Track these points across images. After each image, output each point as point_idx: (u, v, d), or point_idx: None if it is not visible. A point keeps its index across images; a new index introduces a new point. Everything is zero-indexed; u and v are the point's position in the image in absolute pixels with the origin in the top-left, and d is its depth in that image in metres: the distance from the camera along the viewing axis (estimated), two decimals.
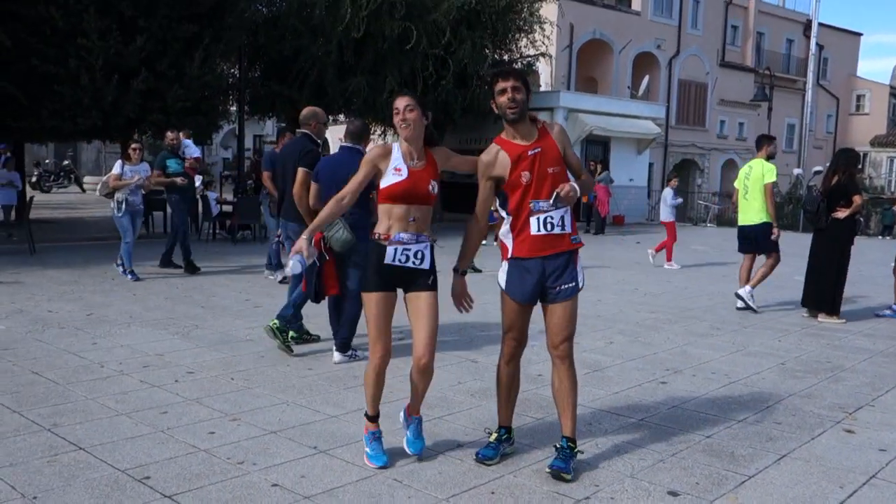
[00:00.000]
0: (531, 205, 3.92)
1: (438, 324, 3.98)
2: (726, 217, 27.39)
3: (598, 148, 23.51)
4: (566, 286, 3.96)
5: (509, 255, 4.02)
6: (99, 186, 10.53)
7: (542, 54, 21.78)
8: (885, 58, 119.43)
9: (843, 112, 46.14)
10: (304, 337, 6.81)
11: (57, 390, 5.18)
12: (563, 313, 3.98)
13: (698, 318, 8.50)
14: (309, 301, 6.26)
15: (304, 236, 3.92)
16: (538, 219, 3.92)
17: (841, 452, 4.41)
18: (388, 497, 3.63)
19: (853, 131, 44.63)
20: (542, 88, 26.82)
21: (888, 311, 8.78)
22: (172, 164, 10.82)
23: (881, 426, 4.90)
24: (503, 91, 3.86)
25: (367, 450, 4.04)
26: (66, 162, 34.51)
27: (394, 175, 3.86)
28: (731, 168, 37.91)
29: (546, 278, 3.95)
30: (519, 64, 21.12)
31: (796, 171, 30.23)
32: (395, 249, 3.86)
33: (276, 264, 10.49)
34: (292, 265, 3.85)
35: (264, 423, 4.63)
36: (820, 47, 35.16)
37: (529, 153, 3.92)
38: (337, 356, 6.19)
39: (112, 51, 13.23)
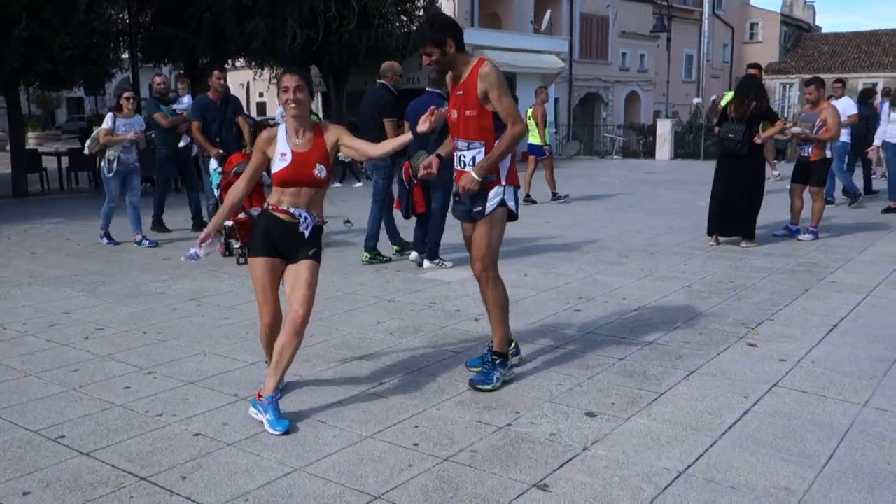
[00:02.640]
0: (455, 142, 4.32)
1: (314, 289, 3.91)
2: (631, 149, 28.02)
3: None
4: (475, 210, 4.27)
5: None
6: (88, 143, 9.14)
7: None
8: None
9: (737, 41, 47.46)
10: (405, 248, 8.11)
11: None
12: (475, 236, 4.32)
13: (608, 247, 8.73)
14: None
15: (209, 228, 4.10)
16: (457, 156, 4.31)
17: (745, 365, 4.65)
18: (312, 438, 3.64)
19: (748, 59, 45.68)
20: None
21: (783, 231, 9.20)
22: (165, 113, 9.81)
23: (781, 338, 5.18)
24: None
25: (268, 416, 3.74)
26: None
27: (280, 160, 3.87)
28: (633, 100, 38.68)
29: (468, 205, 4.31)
30: (421, 1, 20.79)
31: (695, 100, 31.07)
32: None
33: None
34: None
35: (181, 374, 4.55)
36: None
37: (457, 93, 4.20)
38: (426, 263, 7.57)
39: None
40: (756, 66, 9.51)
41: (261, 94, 47.64)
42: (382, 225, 7.98)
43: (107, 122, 8.92)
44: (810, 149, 8.77)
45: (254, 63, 19.11)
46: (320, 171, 3.89)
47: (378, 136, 7.04)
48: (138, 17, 17.32)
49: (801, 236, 8.96)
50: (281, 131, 3.95)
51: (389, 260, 7.94)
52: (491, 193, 4.21)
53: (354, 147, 4.05)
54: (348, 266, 7.70)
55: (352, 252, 8.36)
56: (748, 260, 7.86)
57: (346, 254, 8.30)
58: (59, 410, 3.99)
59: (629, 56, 37.52)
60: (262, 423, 3.76)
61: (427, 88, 7.40)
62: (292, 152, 3.87)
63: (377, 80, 7.94)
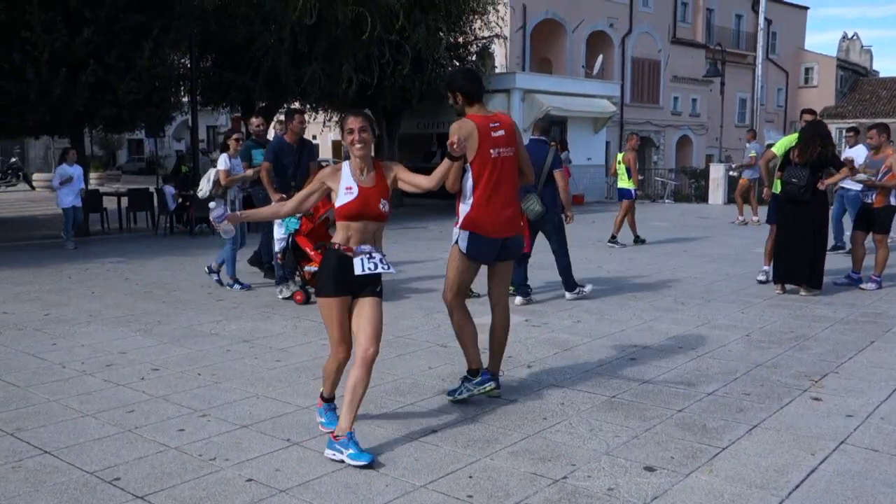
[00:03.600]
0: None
1: (382, 325, 4.07)
2: (682, 193, 27.69)
3: (556, 128, 23.57)
4: None
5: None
6: (206, 186, 8.89)
7: (497, 36, 21.74)
8: (831, 31, 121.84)
9: (792, 85, 47.01)
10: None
11: (18, 393, 5.03)
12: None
13: (663, 293, 8.58)
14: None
15: (244, 214, 4.64)
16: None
17: (809, 420, 4.48)
18: (365, 486, 3.59)
19: (803, 103, 45.24)
20: (498, 70, 26.77)
21: (845, 279, 8.94)
22: (258, 156, 9.18)
23: (846, 392, 4.99)
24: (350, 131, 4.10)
25: (350, 450, 3.81)
26: (13, 159, 33.63)
27: (346, 194, 4.00)
28: (685, 144, 38.41)
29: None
30: (474, 46, 21.05)
31: (749, 145, 30.63)
32: (362, 260, 4.00)
33: (281, 276, 8.56)
34: (215, 216, 4.47)
35: (235, 417, 4.55)
36: (768, 21, 35.61)
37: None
38: (568, 295, 8.20)
39: (58, 43, 12.84)
40: (811, 111, 9.35)
41: (314, 137, 48.72)
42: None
43: (223, 164, 8.79)
44: (874, 195, 8.55)
45: (308, 106, 19.46)
46: (384, 205, 4.03)
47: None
48: (199, 62, 17.84)
49: (864, 285, 8.69)
50: (346, 168, 4.08)
51: (479, 296, 7.74)
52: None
53: (411, 182, 4.18)
54: (398, 309, 7.69)
55: (399, 295, 8.36)
56: (809, 309, 7.64)
57: (393, 296, 8.30)
58: (115, 452, 4.01)
59: (681, 100, 37.39)
60: (341, 461, 3.81)
61: (531, 136, 8.10)
62: (359, 186, 4.00)
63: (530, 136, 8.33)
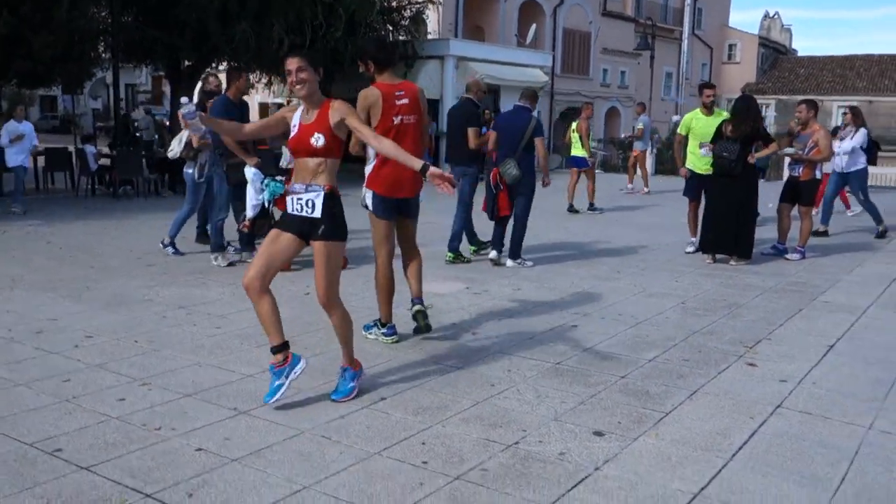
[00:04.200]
0: None
1: (329, 270, 4.09)
2: (611, 164, 28.14)
3: (489, 97, 23.54)
4: None
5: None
6: (177, 147, 8.23)
7: (430, 1, 21.49)
8: (754, 9, 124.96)
9: (716, 61, 48.03)
10: (481, 247, 8.86)
11: None
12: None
13: (600, 262, 8.72)
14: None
15: (210, 121, 4.39)
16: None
17: (746, 385, 4.64)
18: (318, 454, 3.55)
19: (726, 79, 46.56)
20: (430, 37, 26.53)
21: (771, 249, 9.25)
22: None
23: (779, 358, 5.18)
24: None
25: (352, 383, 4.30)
26: None
27: (292, 131, 4.16)
28: (614, 116, 38.92)
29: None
30: (408, 11, 20.78)
31: (674, 117, 31.35)
32: (291, 199, 4.12)
33: (218, 244, 8.20)
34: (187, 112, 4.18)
35: (177, 386, 4.43)
36: None
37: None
38: (509, 262, 8.31)
39: None
40: (709, 85, 9.35)
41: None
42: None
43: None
44: (801, 169, 8.84)
45: (237, 67, 18.87)
46: (317, 139, 4.02)
47: (464, 143, 8.31)
48: (120, 17, 17.06)
49: (789, 255, 9.01)
50: (300, 109, 4.20)
51: (469, 261, 8.54)
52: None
53: (359, 130, 4.14)
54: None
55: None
56: (739, 278, 7.88)
57: None
58: (53, 423, 3.85)
59: (610, 72, 37.79)
60: (267, 434, 3.72)
61: (516, 103, 8.40)
62: (300, 124, 4.12)
63: (462, 95, 8.90)
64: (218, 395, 4.29)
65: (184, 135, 8.36)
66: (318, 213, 4.04)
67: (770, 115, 44.31)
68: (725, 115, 8.91)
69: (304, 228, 4.07)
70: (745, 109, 8.30)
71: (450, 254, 8.49)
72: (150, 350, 5.12)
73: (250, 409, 4.09)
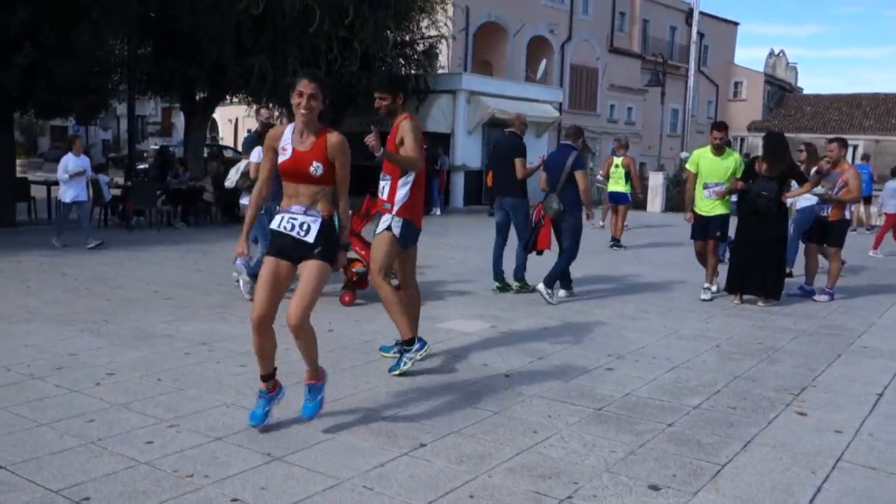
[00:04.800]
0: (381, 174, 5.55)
1: (315, 289, 4.02)
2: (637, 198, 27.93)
3: (499, 131, 23.52)
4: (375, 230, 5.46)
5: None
6: (234, 176, 8.19)
7: (443, 36, 21.56)
8: (759, 47, 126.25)
9: (722, 98, 48.28)
10: (504, 285, 8.87)
11: None
12: (371, 250, 5.51)
13: (624, 301, 8.53)
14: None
15: (241, 240, 4.27)
16: (380, 184, 5.49)
17: (801, 437, 4.43)
18: None
19: (732, 117, 46.67)
20: (441, 71, 26.64)
21: (797, 291, 9.07)
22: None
23: (829, 407, 4.97)
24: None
25: (255, 408, 4.22)
26: None
27: (282, 154, 4.10)
28: None
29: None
30: (421, 45, 20.83)
31: (683, 154, 31.30)
32: (283, 217, 4.09)
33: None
34: (237, 265, 4.30)
35: (206, 428, 4.23)
36: (700, 35, 36.50)
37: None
38: (541, 286, 8.24)
39: None
40: (721, 126, 8.98)
41: (248, 131, 47.57)
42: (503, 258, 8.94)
43: (256, 156, 7.85)
44: (829, 209, 8.69)
45: (251, 100, 18.89)
46: (316, 169, 4.03)
47: (512, 174, 8.57)
48: (137, 48, 17.09)
49: (817, 297, 8.82)
50: (288, 129, 4.15)
51: (534, 290, 8.52)
52: (383, 218, 5.36)
53: (340, 175, 4.14)
54: (360, 313, 7.43)
55: (362, 298, 8.05)
56: (770, 320, 7.69)
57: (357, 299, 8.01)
58: (79, 467, 3.65)
59: (617, 108, 37.96)
60: (306, 483, 3.56)
61: (562, 142, 8.83)
62: (293, 149, 4.07)
63: (505, 129, 9.19)
64: (249, 439, 4.09)
65: (241, 164, 8.31)
66: (311, 238, 4.04)
67: None
68: (736, 155, 8.63)
69: (299, 252, 4.06)
70: (781, 146, 8.13)
71: (516, 283, 8.76)
72: (175, 389, 4.92)
73: (284, 454, 3.89)
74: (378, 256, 5.37)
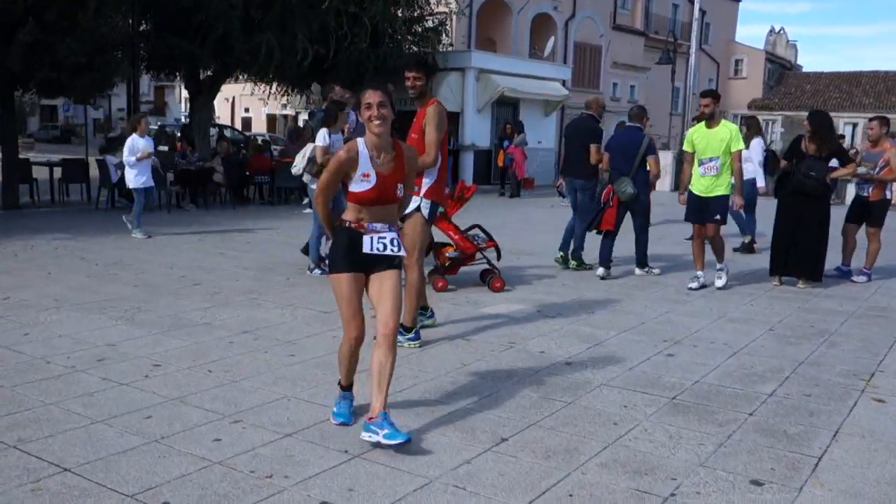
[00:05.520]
0: None
1: (401, 301, 3.93)
2: None
3: (508, 110, 23.24)
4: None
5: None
6: (302, 164, 7.93)
7: (452, 12, 21.20)
8: (760, 24, 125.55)
9: (722, 76, 47.91)
10: (567, 262, 9.08)
11: (4, 395, 4.35)
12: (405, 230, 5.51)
13: (663, 283, 8.34)
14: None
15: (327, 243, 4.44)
16: None
17: (887, 425, 4.25)
18: None
19: (733, 94, 46.39)
20: (448, 49, 26.26)
21: (834, 271, 8.87)
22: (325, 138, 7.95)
23: None
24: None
25: (334, 408, 4.09)
26: None
27: (362, 181, 3.79)
28: None
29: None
30: (430, 22, 20.46)
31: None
32: (372, 239, 3.83)
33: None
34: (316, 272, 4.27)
35: (272, 424, 4.02)
36: (703, 12, 36.09)
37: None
38: (637, 271, 8.78)
39: None
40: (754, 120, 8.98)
41: (246, 110, 47.08)
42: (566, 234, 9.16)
43: (323, 139, 7.68)
44: (870, 189, 8.49)
45: (258, 79, 18.54)
46: (400, 190, 3.91)
47: (585, 157, 8.71)
48: (138, 25, 16.65)
49: (855, 278, 8.64)
50: (362, 150, 3.81)
51: (591, 267, 8.82)
52: (413, 200, 5.25)
53: (408, 180, 4.05)
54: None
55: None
56: (814, 302, 7.51)
57: None
58: (149, 468, 3.44)
59: (620, 86, 37.60)
60: (377, 442, 3.64)
61: (627, 123, 8.82)
62: (376, 173, 3.79)
63: (582, 111, 9.15)
64: (321, 436, 3.88)
65: (307, 150, 8.02)
66: (403, 251, 3.93)
67: (777, 132, 44.13)
68: (731, 125, 7.96)
69: (382, 264, 3.88)
70: (828, 126, 7.88)
71: (573, 262, 8.99)
72: (228, 381, 4.70)
73: (362, 452, 3.68)
74: (414, 237, 5.51)
